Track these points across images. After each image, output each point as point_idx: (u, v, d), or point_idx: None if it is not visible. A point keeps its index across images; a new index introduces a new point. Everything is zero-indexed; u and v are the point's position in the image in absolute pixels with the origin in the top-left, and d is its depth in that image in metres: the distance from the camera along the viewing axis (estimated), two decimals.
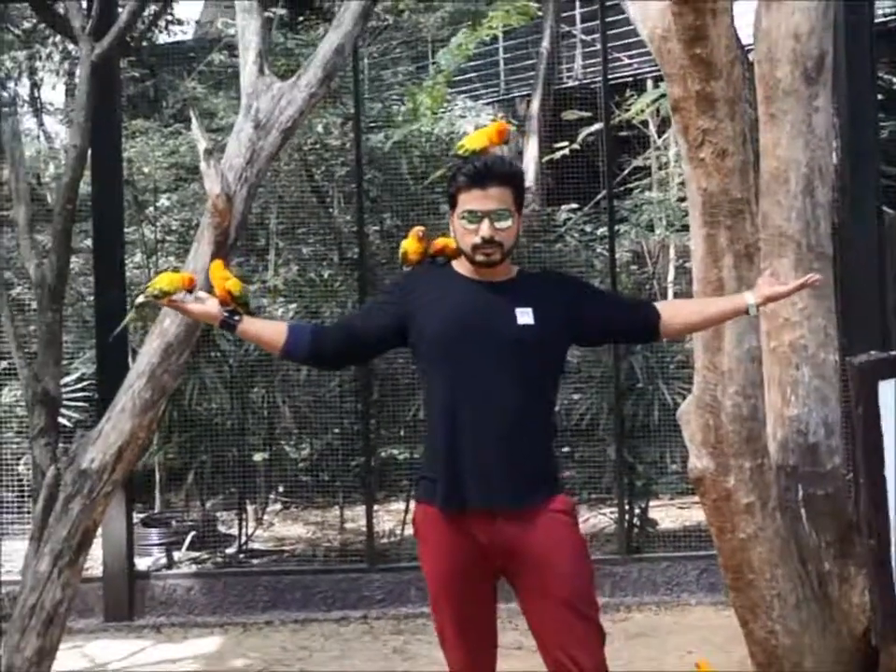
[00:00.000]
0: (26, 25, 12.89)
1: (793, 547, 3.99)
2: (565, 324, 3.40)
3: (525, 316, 3.34)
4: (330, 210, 8.89)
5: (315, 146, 8.79)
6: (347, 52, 4.93)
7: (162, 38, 13.48)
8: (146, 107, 10.82)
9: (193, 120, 4.63)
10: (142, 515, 8.05)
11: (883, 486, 3.61)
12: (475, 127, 8.98)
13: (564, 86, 12.67)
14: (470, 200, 3.34)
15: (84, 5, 5.72)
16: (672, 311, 3.54)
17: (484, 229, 3.31)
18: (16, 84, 13.73)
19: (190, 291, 3.42)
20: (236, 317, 3.37)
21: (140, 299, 3.49)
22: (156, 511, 8.21)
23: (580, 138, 9.42)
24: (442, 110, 9.60)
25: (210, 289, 3.57)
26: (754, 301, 3.36)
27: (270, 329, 3.50)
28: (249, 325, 3.40)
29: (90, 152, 5.60)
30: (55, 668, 4.70)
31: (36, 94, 14.04)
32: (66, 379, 7.37)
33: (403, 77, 10.06)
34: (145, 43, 11.96)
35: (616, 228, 8.08)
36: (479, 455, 3.26)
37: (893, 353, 3.84)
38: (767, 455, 4.00)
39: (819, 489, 4.05)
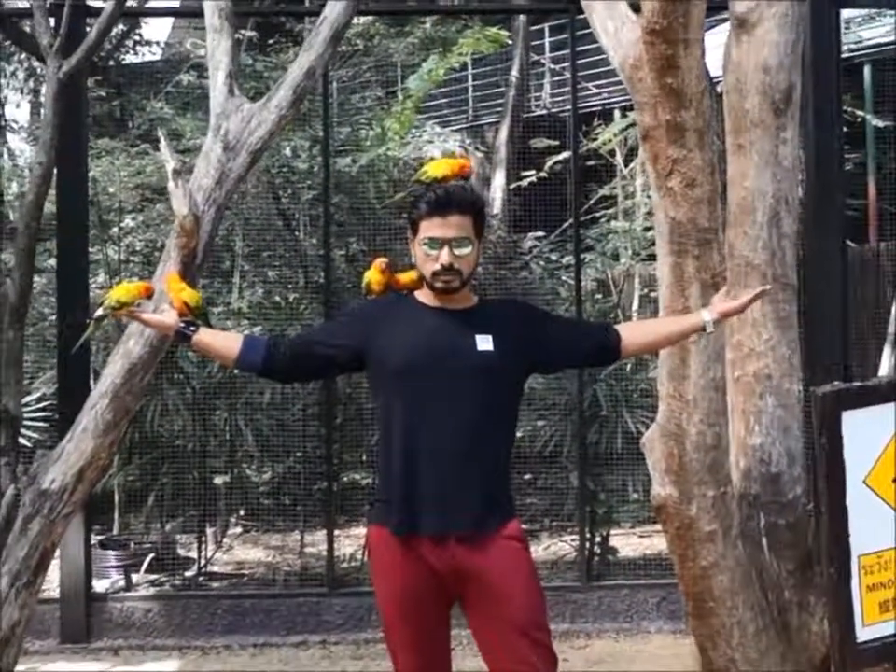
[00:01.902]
0: None
1: (754, 575, 4.01)
2: (524, 351, 3.44)
3: (484, 343, 3.37)
4: (297, 233, 8.86)
5: (282, 169, 8.77)
6: (318, 75, 4.93)
7: (131, 58, 13.48)
8: (112, 127, 10.77)
9: (161, 140, 4.61)
10: (100, 537, 7.95)
11: (844, 517, 3.63)
12: (442, 153, 8.99)
13: (532, 114, 12.76)
14: (431, 227, 3.38)
15: (53, 22, 5.64)
16: (631, 331, 3.66)
17: (444, 256, 3.35)
18: None
19: (149, 298, 3.46)
20: (192, 328, 3.38)
21: (98, 312, 3.50)
22: (115, 532, 8.10)
23: (547, 166, 9.46)
24: (410, 136, 9.61)
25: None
26: (710, 318, 3.46)
27: (225, 339, 3.52)
28: (205, 336, 3.41)
29: (55, 171, 5.56)
30: None
31: (0, 112, 13.92)
32: (27, 399, 7.29)
33: (372, 101, 10.06)
34: (112, 63, 11.96)
35: (581, 256, 8.10)
36: (435, 480, 3.28)
37: (856, 384, 3.86)
38: (730, 483, 4.02)
39: (781, 518, 4.07)
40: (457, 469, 3.29)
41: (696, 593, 4.00)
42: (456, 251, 3.36)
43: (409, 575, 3.30)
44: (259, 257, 8.79)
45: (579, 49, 7.63)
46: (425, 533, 3.28)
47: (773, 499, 4.08)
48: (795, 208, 4.23)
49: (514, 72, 11.79)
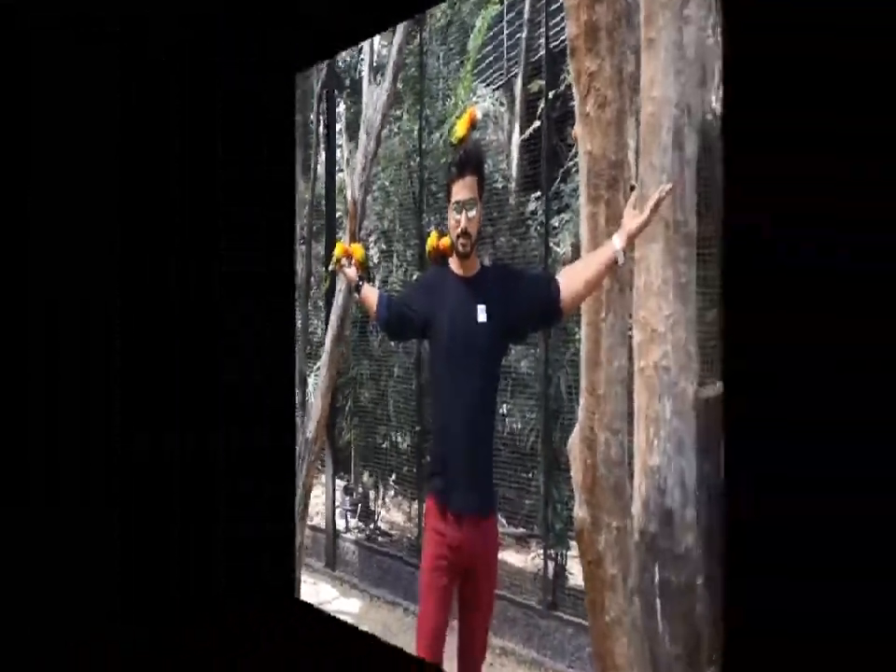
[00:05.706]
0: None
1: (646, 651, 2.35)
2: (502, 321, 2.68)
3: (482, 315, 2.71)
4: None
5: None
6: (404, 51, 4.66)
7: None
8: None
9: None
10: (343, 483, 7.35)
11: None
12: (483, 113, 6.97)
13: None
14: (456, 190, 2.73)
15: None
16: (566, 281, 2.55)
17: (463, 219, 2.71)
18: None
19: (349, 259, 3.35)
20: (360, 282, 3.16)
21: (331, 266, 3.53)
22: (352, 482, 7.39)
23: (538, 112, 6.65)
24: (473, 100, 7.33)
25: None
26: (620, 245, 2.37)
27: (373, 295, 3.09)
28: (365, 291, 3.11)
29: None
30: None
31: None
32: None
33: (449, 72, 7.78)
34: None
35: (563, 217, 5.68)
36: (457, 459, 2.68)
37: None
38: (630, 515, 2.39)
39: (674, 575, 2.36)
40: (465, 445, 2.66)
41: (600, 653, 2.44)
42: (468, 213, 2.70)
43: (443, 543, 2.68)
44: None
45: None
46: (452, 510, 2.68)
47: (667, 546, 2.38)
48: (697, 120, 2.43)
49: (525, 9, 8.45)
